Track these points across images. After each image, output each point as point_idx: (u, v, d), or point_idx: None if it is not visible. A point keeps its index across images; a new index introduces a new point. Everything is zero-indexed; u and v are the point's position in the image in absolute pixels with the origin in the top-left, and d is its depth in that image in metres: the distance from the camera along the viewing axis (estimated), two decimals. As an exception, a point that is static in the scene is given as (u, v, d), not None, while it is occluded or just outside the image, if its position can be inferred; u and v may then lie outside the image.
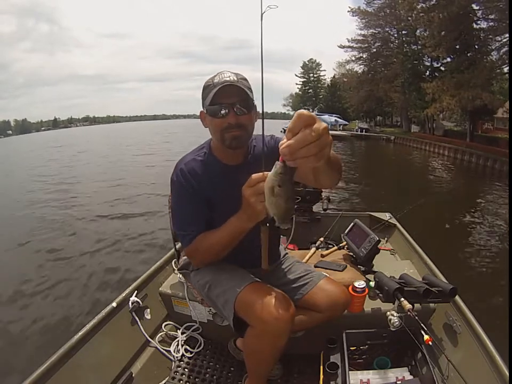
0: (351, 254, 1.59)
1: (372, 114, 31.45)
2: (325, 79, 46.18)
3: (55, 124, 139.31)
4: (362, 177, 8.79)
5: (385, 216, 2.14)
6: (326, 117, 25.86)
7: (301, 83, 48.72)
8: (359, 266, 1.50)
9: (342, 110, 33.75)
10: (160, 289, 1.43)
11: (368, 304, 1.26)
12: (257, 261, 0.97)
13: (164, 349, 1.30)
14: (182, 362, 1.28)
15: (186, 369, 1.26)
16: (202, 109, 0.97)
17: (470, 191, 8.12)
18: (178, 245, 1.46)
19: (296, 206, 2.24)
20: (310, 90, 48.15)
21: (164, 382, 1.21)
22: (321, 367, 1.14)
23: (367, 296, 1.29)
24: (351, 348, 1.10)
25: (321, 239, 1.87)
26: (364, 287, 1.20)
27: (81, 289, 2.91)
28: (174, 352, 1.31)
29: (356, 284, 1.20)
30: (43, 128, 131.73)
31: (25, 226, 4.99)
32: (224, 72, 0.92)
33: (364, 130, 24.57)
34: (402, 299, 1.04)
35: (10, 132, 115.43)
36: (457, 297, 1.18)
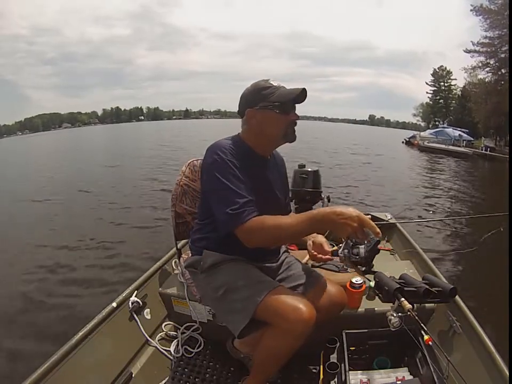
0: (351, 254, 1.59)
1: (501, 131, 25.02)
2: (456, 89, 40.85)
3: (187, 114, 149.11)
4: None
5: (385, 216, 2.14)
6: (449, 130, 23.68)
7: (432, 92, 44.03)
8: (359, 266, 1.50)
9: (472, 125, 28.39)
10: (160, 289, 1.43)
11: (368, 304, 1.27)
12: (266, 256, 1.16)
13: (163, 349, 1.30)
14: (182, 362, 1.29)
15: (186, 369, 1.26)
16: (250, 109, 1.05)
17: None
18: (180, 244, 1.47)
19: (296, 206, 2.24)
20: (441, 101, 43.00)
21: (163, 382, 1.21)
22: (321, 367, 1.14)
23: (367, 296, 1.30)
24: (351, 348, 1.10)
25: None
26: (361, 282, 1.23)
27: (81, 289, 2.91)
28: (174, 352, 1.31)
29: (354, 280, 1.24)
30: (174, 117, 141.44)
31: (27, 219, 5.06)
32: (272, 80, 1.07)
33: (488, 149, 20.51)
34: (402, 299, 1.03)
35: (142, 117, 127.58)
36: (457, 297, 1.18)
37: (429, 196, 7.11)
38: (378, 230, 0.92)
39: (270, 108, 1.03)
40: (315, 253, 1.16)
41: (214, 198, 1.01)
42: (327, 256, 1.13)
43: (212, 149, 1.04)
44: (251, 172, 1.05)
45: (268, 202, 1.08)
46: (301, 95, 1.05)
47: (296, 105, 1.09)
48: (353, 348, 1.12)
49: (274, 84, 1.05)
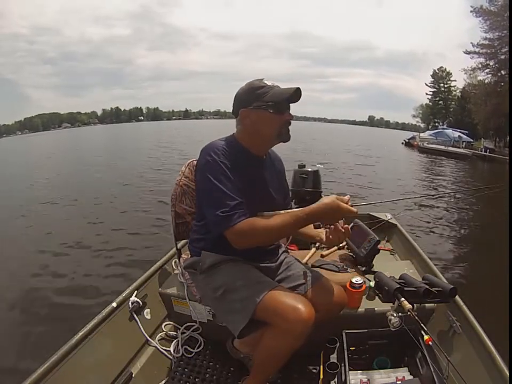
0: (351, 254, 1.59)
1: (501, 133, 24.94)
2: (455, 90, 41.26)
3: (186, 115, 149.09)
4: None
5: (385, 216, 2.14)
6: (449, 131, 23.61)
7: (431, 93, 44.50)
8: (359, 266, 1.50)
9: (472, 126, 28.43)
10: (160, 289, 1.43)
11: (368, 304, 1.27)
12: (265, 256, 1.16)
13: (163, 349, 1.30)
14: (182, 362, 1.28)
15: (186, 369, 1.26)
16: (244, 109, 1.05)
17: None
18: (180, 244, 1.47)
19: (296, 206, 2.25)
20: (441, 102, 43.42)
21: (163, 382, 1.21)
22: (321, 367, 1.14)
23: (367, 296, 1.30)
24: (351, 348, 1.10)
25: (321, 239, 1.87)
26: (361, 282, 1.23)
27: (81, 289, 2.90)
28: (174, 352, 1.31)
29: (353, 280, 1.23)
30: (174, 118, 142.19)
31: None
32: (266, 79, 1.07)
33: (487, 150, 20.37)
34: (402, 299, 1.04)
35: (141, 118, 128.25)
36: (457, 297, 1.18)
37: (429, 197, 7.15)
38: (354, 210, 0.99)
39: (263, 107, 1.03)
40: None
41: (206, 199, 1.03)
42: (345, 227, 1.09)
43: (205, 150, 1.05)
44: (246, 172, 1.05)
45: (263, 202, 1.08)
46: (294, 94, 1.04)
47: (296, 105, 1.08)
48: (353, 348, 1.12)
49: (268, 83, 1.05)
